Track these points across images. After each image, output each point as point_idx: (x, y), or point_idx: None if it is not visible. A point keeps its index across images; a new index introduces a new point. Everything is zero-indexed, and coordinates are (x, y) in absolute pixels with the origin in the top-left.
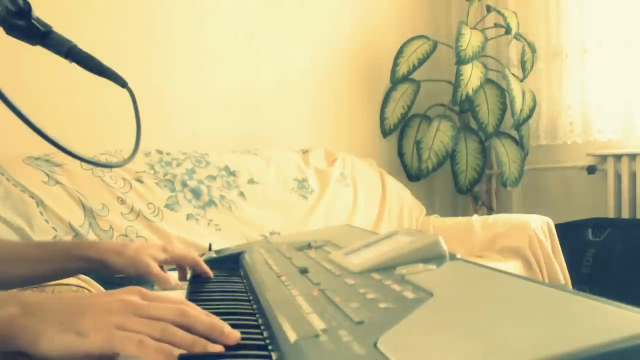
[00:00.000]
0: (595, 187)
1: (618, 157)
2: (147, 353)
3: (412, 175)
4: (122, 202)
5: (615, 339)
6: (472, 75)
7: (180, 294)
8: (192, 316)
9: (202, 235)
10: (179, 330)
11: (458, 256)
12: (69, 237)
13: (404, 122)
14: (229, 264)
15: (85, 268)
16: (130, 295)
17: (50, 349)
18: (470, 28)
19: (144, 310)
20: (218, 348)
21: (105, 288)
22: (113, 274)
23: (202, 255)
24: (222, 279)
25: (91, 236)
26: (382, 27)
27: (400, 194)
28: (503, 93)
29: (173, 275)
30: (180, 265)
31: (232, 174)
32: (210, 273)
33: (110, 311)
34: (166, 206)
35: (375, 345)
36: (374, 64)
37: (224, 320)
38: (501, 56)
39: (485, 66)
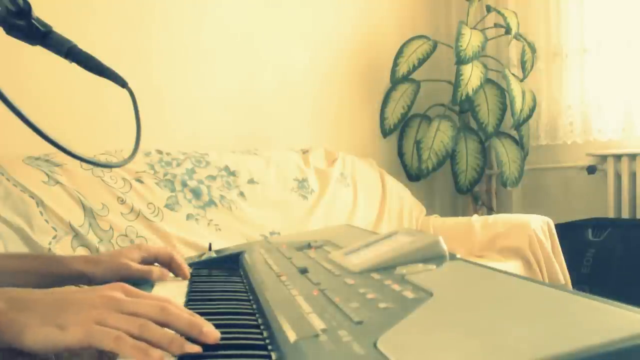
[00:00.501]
0: (595, 187)
1: (618, 157)
2: (123, 349)
3: (412, 175)
4: (122, 202)
5: (615, 339)
6: (472, 75)
7: (180, 291)
8: (172, 313)
9: (202, 235)
10: (158, 328)
11: (458, 256)
12: (69, 237)
13: (404, 122)
14: (229, 264)
15: (65, 283)
16: (114, 291)
17: (33, 342)
18: (470, 28)
19: (125, 306)
20: (195, 348)
21: None
22: (94, 284)
23: (202, 255)
24: (222, 279)
25: (91, 236)
26: (382, 27)
27: (400, 194)
28: (503, 93)
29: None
30: (158, 263)
31: (232, 174)
32: (185, 270)
33: (92, 306)
34: (166, 206)
35: (375, 345)
36: (374, 64)
37: (224, 320)
38: (501, 56)
39: (485, 66)
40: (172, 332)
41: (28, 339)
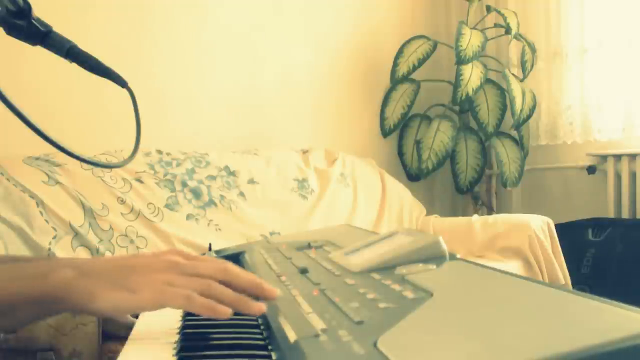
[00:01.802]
0: (595, 187)
1: (618, 157)
2: (194, 307)
3: (412, 175)
4: (122, 202)
5: (615, 339)
6: (472, 75)
7: None
8: (234, 273)
9: (202, 235)
10: (224, 288)
11: (458, 256)
12: (69, 237)
13: (404, 122)
14: None
15: None
16: (174, 255)
17: (104, 305)
18: (470, 28)
19: (188, 269)
20: (261, 307)
21: None
22: None
23: (202, 255)
24: None
25: (91, 236)
26: (382, 27)
27: (400, 194)
28: (503, 93)
29: None
30: None
31: (232, 174)
32: None
33: (157, 270)
34: (166, 206)
35: (375, 345)
36: (374, 64)
37: (224, 320)
38: (501, 56)
39: (485, 66)
40: (237, 294)
41: (99, 303)
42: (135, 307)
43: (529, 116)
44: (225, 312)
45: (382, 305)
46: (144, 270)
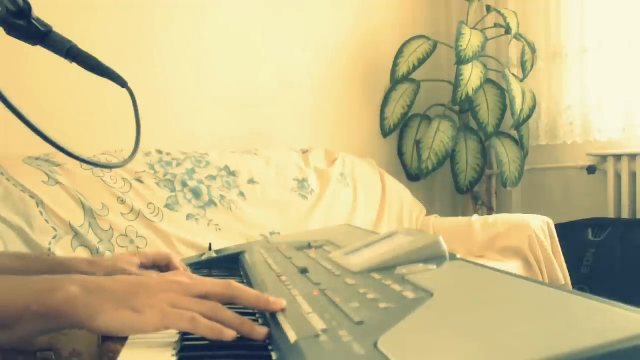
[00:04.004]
0: (595, 187)
1: (618, 157)
2: (199, 330)
3: (412, 175)
4: (122, 202)
5: (615, 339)
6: (472, 75)
7: None
8: (239, 288)
9: (202, 235)
10: (229, 311)
11: (458, 256)
12: (69, 237)
13: (404, 122)
14: (229, 264)
15: None
16: (179, 276)
17: (107, 324)
18: (470, 28)
19: (193, 289)
20: (263, 330)
21: None
22: None
23: (202, 255)
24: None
25: (91, 236)
26: (382, 27)
27: (400, 194)
28: (503, 93)
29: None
30: (156, 267)
31: (232, 174)
32: (182, 269)
33: (163, 290)
34: (166, 206)
35: (375, 345)
36: (374, 64)
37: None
38: (501, 56)
39: (485, 66)
40: (242, 317)
41: (102, 322)
42: (139, 328)
43: (529, 116)
44: (230, 335)
45: (382, 305)
46: (149, 290)
